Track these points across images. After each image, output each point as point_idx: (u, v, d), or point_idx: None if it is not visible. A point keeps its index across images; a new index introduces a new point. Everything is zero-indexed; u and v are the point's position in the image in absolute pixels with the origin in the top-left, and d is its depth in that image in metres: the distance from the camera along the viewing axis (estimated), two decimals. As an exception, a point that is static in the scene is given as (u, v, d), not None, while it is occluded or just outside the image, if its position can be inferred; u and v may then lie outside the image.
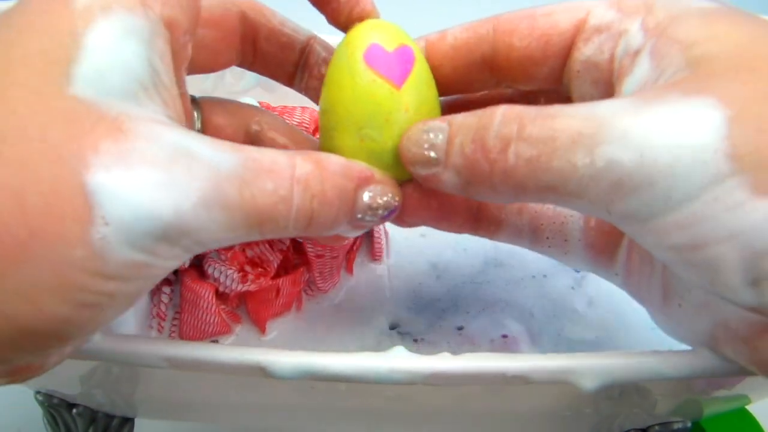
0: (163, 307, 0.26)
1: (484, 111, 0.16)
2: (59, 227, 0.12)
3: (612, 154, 0.14)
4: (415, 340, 0.27)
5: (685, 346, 0.18)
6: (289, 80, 0.22)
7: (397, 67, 0.18)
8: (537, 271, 0.29)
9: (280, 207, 0.15)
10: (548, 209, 0.22)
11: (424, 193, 0.20)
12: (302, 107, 0.31)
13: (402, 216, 0.20)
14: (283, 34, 0.21)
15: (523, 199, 0.16)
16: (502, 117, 0.16)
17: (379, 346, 0.26)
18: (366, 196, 0.17)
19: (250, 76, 0.33)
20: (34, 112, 0.13)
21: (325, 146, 0.19)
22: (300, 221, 0.16)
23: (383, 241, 0.30)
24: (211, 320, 0.26)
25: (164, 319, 0.27)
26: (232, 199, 0.14)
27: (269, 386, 0.20)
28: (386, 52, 0.18)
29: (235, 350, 0.17)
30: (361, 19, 0.19)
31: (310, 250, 0.27)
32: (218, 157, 0.14)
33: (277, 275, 0.27)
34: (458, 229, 0.22)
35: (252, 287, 0.26)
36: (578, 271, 0.29)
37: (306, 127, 0.31)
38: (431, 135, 0.17)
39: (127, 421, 0.27)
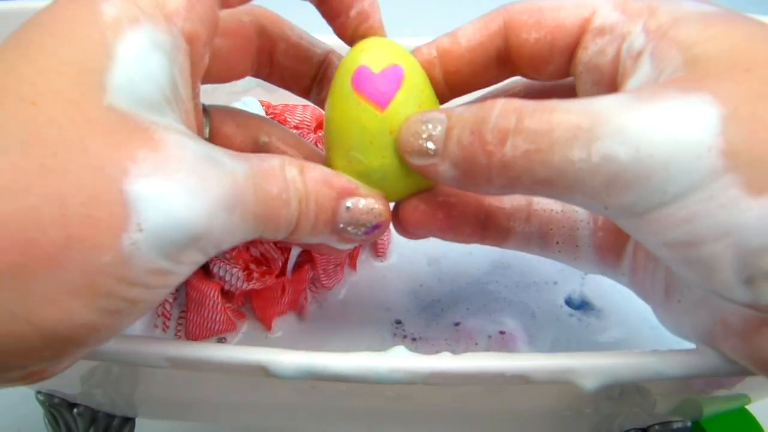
0: (168, 306, 0.27)
1: (483, 104, 0.16)
2: (94, 233, 0.13)
3: (608, 148, 0.14)
4: (414, 339, 0.27)
5: (686, 345, 0.18)
6: (305, 93, 0.23)
7: (382, 88, 0.18)
8: (548, 277, 0.29)
9: (283, 211, 0.16)
10: (557, 214, 0.22)
11: (430, 204, 0.20)
12: (303, 105, 0.32)
13: (408, 227, 0.20)
14: (301, 48, 0.21)
15: (520, 192, 0.16)
16: (501, 109, 0.16)
17: (382, 343, 0.27)
18: (347, 206, 0.18)
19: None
20: (74, 121, 0.13)
21: (327, 164, 0.20)
22: (290, 224, 0.17)
23: (387, 238, 0.30)
24: (217, 318, 0.26)
25: (169, 318, 0.27)
26: (249, 204, 0.15)
27: (270, 386, 0.20)
28: (372, 74, 0.18)
29: (237, 350, 0.18)
30: (366, 35, 0.19)
31: (314, 247, 0.27)
32: (234, 164, 0.15)
33: (281, 273, 0.27)
34: (466, 240, 0.22)
35: (257, 285, 0.26)
36: (583, 277, 0.29)
37: (307, 125, 0.31)
38: (429, 126, 0.17)
39: (128, 421, 0.27)
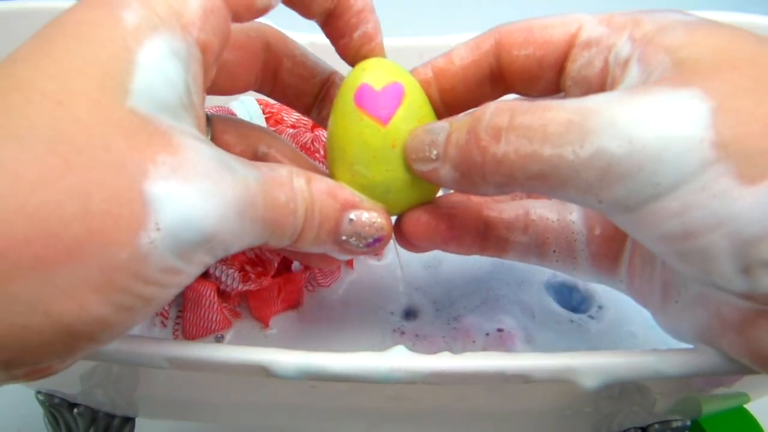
0: (166, 306, 0.27)
1: (479, 107, 0.17)
2: (114, 229, 0.13)
3: (601, 142, 0.14)
4: (412, 337, 0.27)
5: (686, 345, 0.18)
6: (306, 111, 0.23)
7: (383, 104, 0.19)
8: (547, 276, 0.29)
9: (290, 218, 0.17)
10: (553, 223, 0.22)
11: (432, 215, 0.21)
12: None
13: (411, 240, 0.21)
14: (305, 66, 0.22)
15: (517, 189, 0.16)
16: (495, 109, 0.16)
17: (380, 340, 0.27)
18: (351, 218, 0.18)
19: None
20: (98, 122, 0.13)
21: (331, 178, 0.20)
22: (294, 232, 0.17)
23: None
24: (214, 318, 0.26)
25: (167, 318, 0.27)
26: (259, 209, 0.16)
27: (270, 386, 0.20)
28: (374, 91, 0.19)
29: (237, 350, 0.18)
30: (368, 56, 0.20)
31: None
32: (245, 170, 0.16)
33: (278, 274, 0.27)
34: (467, 251, 0.22)
35: (252, 287, 0.26)
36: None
37: (304, 124, 0.31)
38: (434, 134, 0.18)
39: (128, 421, 0.27)
